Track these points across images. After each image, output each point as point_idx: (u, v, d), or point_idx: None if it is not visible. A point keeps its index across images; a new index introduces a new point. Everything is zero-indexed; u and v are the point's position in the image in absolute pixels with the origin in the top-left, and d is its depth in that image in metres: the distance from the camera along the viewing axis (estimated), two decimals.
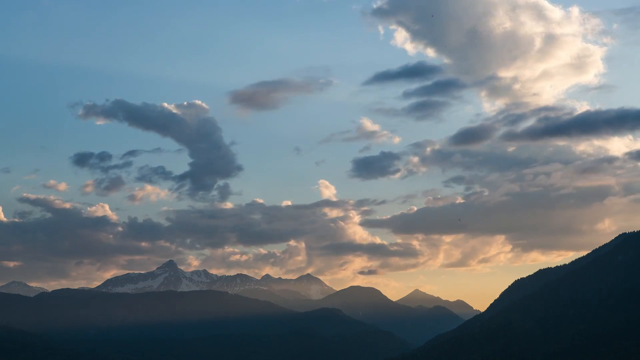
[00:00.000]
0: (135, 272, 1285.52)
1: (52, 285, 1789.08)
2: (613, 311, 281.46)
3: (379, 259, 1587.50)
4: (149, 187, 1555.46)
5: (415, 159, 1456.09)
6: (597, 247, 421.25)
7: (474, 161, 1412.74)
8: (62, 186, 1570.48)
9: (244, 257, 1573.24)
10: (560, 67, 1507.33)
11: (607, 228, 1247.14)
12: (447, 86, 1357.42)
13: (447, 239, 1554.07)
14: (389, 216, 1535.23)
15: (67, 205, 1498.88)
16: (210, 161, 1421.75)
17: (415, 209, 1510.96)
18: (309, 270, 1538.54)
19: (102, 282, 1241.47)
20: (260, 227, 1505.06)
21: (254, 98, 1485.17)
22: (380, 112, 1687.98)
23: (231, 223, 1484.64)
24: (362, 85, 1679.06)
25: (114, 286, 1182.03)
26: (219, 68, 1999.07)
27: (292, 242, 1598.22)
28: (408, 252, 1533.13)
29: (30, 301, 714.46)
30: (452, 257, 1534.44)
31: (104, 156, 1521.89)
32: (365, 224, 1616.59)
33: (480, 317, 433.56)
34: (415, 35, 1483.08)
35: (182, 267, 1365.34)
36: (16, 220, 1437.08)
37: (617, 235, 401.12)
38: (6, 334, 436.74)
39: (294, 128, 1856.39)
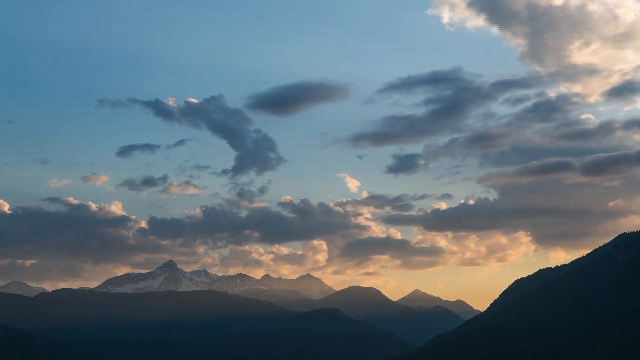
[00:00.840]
0: (136, 272, 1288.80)
1: (65, 284, 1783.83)
2: (613, 311, 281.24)
3: (402, 257, 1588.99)
4: (184, 183, 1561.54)
5: (450, 157, 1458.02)
6: (597, 247, 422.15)
7: (509, 159, 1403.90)
8: (100, 180, 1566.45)
9: (264, 257, 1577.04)
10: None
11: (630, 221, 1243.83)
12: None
13: (475, 237, 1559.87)
14: (420, 214, 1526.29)
15: (94, 201, 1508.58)
16: (246, 159, 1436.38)
17: (446, 206, 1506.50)
18: (330, 269, 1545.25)
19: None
20: (286, 225, 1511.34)
21: (283, 99, 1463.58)
22: (414, 109, 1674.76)
23: (257, 221, 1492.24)
24: (397, 82, 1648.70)
25: (114, 286, 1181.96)
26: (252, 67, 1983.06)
27: (315, 241, 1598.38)
28: (433, 251, 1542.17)
29: (30, 301, 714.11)
30: (475, 255, 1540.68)
31: (145, 150, 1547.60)
32: (393, 221, 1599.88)
33: (480, 317, 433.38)
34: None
35: (193, 267, 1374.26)
36: (40, 215, 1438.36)
37: (617, 235, 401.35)
38: (6, 334, 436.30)
39: (328, 126, 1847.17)
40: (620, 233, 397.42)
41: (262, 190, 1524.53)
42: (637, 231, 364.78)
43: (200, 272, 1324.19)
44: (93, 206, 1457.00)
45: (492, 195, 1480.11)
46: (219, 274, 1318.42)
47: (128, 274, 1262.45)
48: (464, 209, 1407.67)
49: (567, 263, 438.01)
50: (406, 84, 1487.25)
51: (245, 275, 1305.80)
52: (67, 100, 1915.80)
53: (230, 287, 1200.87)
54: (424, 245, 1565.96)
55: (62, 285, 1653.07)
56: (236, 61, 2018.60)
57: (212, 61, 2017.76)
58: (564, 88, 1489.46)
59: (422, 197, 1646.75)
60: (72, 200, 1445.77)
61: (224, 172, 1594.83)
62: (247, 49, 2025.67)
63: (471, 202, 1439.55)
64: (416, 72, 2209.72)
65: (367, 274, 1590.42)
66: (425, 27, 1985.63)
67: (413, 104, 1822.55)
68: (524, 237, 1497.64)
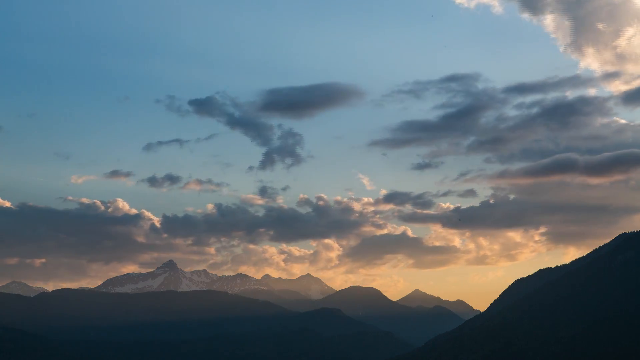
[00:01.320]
0: (136, 272, 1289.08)
1: (74, 284, 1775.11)
2: (613, 311, 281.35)
3: (415, 256, 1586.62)
4: (206, 181, 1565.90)
5: (471, 158, 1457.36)
6: (597, 247, 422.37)
7: (528, 159, 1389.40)
8: (122, 176, 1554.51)
9: (276, 256, 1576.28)
10: None
11: None
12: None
13: (491, 236, 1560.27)
14: (439, 212, 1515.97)
15: (113, 197, 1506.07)
16: (270, 157, 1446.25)
17: (468, 205, 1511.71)
18: (342, 269, 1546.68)
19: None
20: (302, 224, 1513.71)
21: (308, 99, 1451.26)
22: (438, 108, 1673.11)
23: (274, 219, 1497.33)
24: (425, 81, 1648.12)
25: (114, 286, 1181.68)
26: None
27: (329, 240, 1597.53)
28: (446, 250, 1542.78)
29: (30, 301, 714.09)
30: (489, 253, 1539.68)
31: (172, 146, 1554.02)
32: (411, 220, 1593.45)
33: (480, 316, 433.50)
34: None
35: (203, 266, 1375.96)
36: (53, 213, 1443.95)
37: (617, 235, 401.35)
38: (6, 334, 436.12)
39: (348, 126, 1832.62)
40: (621, 233, 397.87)
41: (283, 188, 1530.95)
42: (637, 231, 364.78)
43: (200, 272, 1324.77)
44: (108, 204, 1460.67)
45: (512, 195, 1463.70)
46: (220, 274, 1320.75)
47: (128, 274, 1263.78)
48: (485, 207, 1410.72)
49: (567, 263, 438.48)
50: (422, 87, 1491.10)
51: (245, 275, 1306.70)
52: (91, 94, 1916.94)
53: (230, 287, 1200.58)
54: (437, 244, 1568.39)
55: (72, 285, 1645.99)
56: (261, 58, 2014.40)
57: (240, 58, 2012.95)
58: (585, 89, 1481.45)
59: (444, 194, 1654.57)
60: (86, 200, 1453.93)
61: (249, 169, 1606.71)
62: (260, 49, 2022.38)
63: (492, 200, 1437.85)
64: (436, 74, 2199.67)
65: (377, 274, 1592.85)
66: (448, 13, 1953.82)
67: (429, 107, 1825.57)
68: (538, 237, 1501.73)
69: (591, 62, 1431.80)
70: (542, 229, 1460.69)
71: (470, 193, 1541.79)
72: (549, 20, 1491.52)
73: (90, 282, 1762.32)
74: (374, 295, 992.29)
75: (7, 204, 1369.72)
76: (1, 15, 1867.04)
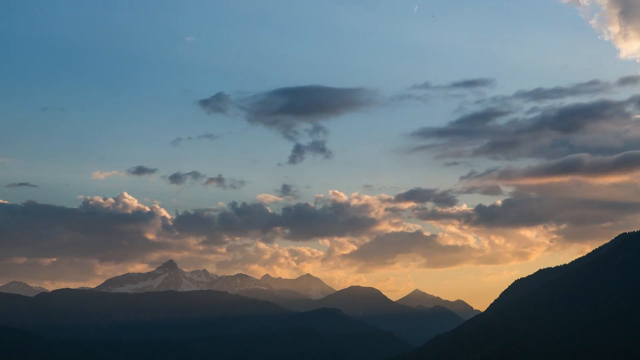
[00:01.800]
0: (136, 272, 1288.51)
1: (83, 284, 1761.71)
2: (613, 311, 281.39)
3: (428, 255, 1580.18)
4: (225, 177, 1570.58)
5: (490, 157, 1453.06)
6: (597, 247, 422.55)
7: (546, 158, 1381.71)
8: (145, 173, 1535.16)
9: (287, 257, 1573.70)
10: None
11: None
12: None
13: (506, 235, 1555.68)
14: (456, 211, 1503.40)
15: (133, 195, 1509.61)
16: (292, 156, 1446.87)
17: (486, 205, 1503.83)
18: (354, 268, 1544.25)
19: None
20: (319, 222, 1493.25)
21: (333, 99, 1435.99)
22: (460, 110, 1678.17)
23: (290, 217, 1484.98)
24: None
25: (114, 286, 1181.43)
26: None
27: (343, 238, 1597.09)
28: (460, 249, 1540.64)
29: (30, 301, 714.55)
30: (501, 252, 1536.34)
31: (201, 141, 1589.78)
32: (428, 219, 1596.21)
33: (480, 317, 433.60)
34: None
35: (210, 265, 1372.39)
36: (71, 210, 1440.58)
37: (617, 235, 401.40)
38: (6, 334, 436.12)
39: (367, 127, 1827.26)
40: (621, 233, 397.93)
41: (301, 187, 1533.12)
42: (637, 231, 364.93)
43: (200, 272, 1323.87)
44: (124, 201, 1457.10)
45: (532, 194, 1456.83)
46: (220, 274, 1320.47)
47: (128, 273, 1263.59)
48: (505, 206, 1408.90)
49: (567, 263, 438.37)
50: (435, 92, 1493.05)
51: (245, 275, 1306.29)
52: (114, 90, 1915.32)
53: (230, 287, 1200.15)
54: (452, 243, 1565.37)
55: (81, 284, 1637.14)
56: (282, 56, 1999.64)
57: (265, 56, 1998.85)
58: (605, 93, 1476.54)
59: (467, 193, 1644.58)
60: (100, 198, 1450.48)
61: (275, 166, 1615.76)
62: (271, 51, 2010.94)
63: (512, 199, 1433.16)
64: (449, 78, 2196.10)
65: (388, 273, 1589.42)
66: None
67: (450, 111, 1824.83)
68: (555, 235, 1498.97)
69: (636, 51, 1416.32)
70: (558, 228, 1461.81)
71: (491, 191, 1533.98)
72: (586, 3, 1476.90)
73: (98, 282, 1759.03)
74: (374, 295, 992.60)
75: (20, 201, 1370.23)
76: (25, 11, 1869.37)
